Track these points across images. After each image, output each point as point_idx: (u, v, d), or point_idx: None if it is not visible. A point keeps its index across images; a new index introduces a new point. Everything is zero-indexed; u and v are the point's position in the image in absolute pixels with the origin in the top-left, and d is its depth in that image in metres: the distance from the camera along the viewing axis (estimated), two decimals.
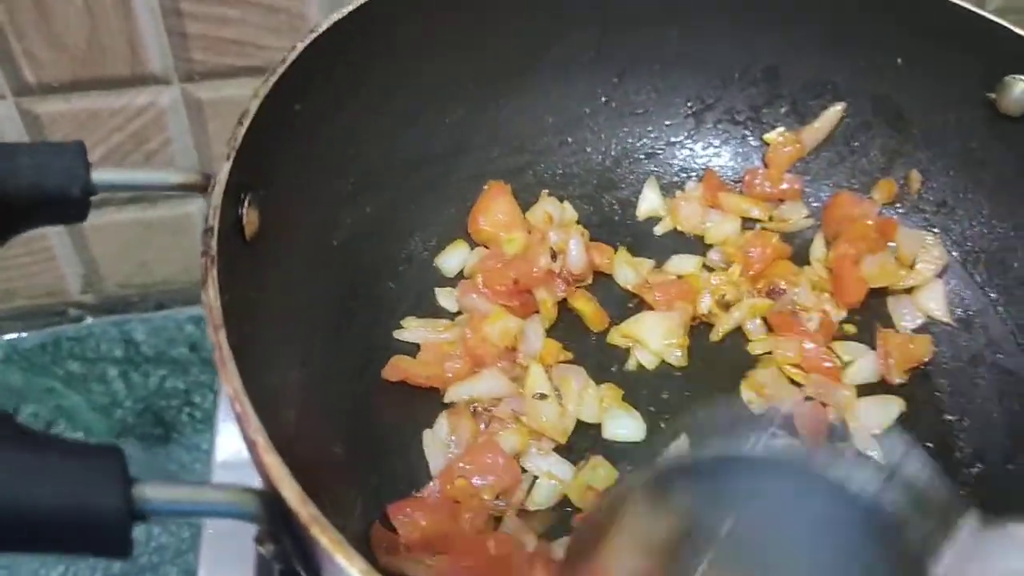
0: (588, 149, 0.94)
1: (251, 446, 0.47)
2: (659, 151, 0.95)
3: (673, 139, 0.95)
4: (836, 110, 0.91)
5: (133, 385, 1.04)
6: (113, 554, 0.42)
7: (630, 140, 0.95)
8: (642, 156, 0.95)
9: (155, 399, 1.04)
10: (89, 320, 1.10)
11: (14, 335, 1.07)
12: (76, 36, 0.87)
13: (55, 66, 0.88)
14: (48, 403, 1.02)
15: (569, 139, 0.93)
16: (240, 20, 0.90)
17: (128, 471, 0.43)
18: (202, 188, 0.59)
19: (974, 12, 0.78)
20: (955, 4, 0.79)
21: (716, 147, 0.95)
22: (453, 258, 0.87)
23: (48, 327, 1.08)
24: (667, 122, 0.95)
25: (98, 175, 0.55)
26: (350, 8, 0.71)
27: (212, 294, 0.52)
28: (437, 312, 0.84)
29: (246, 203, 0.60)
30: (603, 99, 0.93)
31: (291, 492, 0.45)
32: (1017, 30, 0.77)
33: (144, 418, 1.02)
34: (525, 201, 0.90)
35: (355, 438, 0.71)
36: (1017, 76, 0.78)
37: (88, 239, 1.04)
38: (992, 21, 0.77)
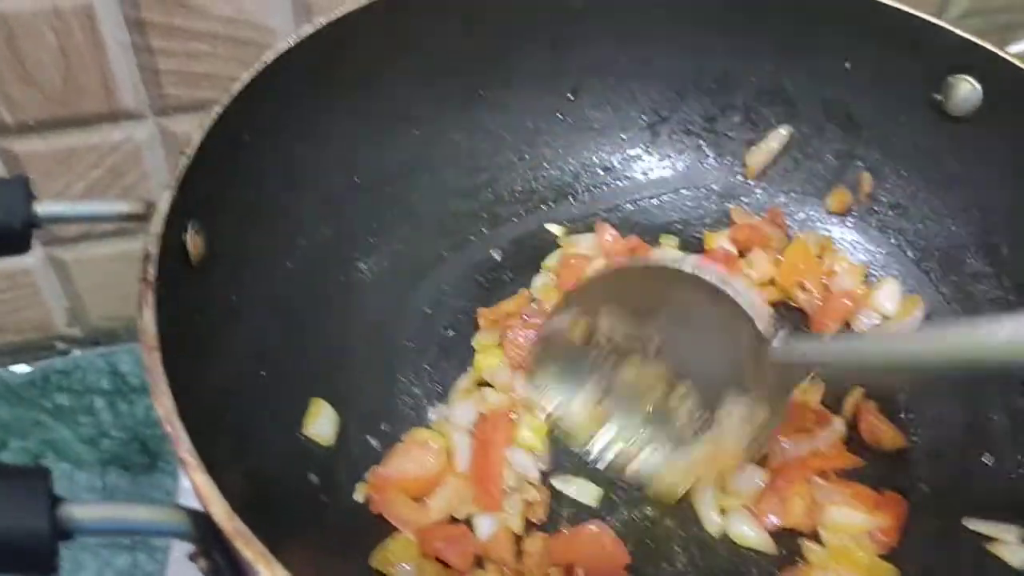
0: (546, 164, 0.95)
1: (182, 465, 0.49)
2: (616, 164, 0.96)
3: (630, 151, 0.96)
4: (781, 133, 0.93)
5: (120, 415, 1.05)
6: (39, 572, 0.44)
7: (587, 154, 0.96)
8: (600, 170, 0.96)
9: (141, 428, 1.05)
10: (76, 353, 1.12)
11: (2, 370, 1.08)
12: (51, 75, 0.88)
13: (31, 105, 0.90)
14: (36, 437, 1.03)
15: (526, 155, 0.94)
16: (210, 54, 0.92)
17: (53, 491, 0.44)
18: (149, 218, 0.60)
19: (914, 15, 0.79)
20: (896, 8, 0.80)
21: (672, 158, 0.96)
22: None
23: (36, 361, 1.09)
24: (623, 135, 0.96)
25: (41, 208, 0.57)
26: (295, 39, 0.72)
27: (147, 318, 0.53)
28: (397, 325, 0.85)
29: (191, 230, 0.62)
30: (559, 115, 0.94)
31: (218, 508, 0.47)
32: (958, 31, 0.78)
33: (131, 447, 1.03)
34: (486, 218, 0.92)
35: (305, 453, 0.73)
36: (960, 76, 0.79)
37: (72, 273, 1.05)
38: (933, 23, 0.78)
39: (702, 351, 0.71)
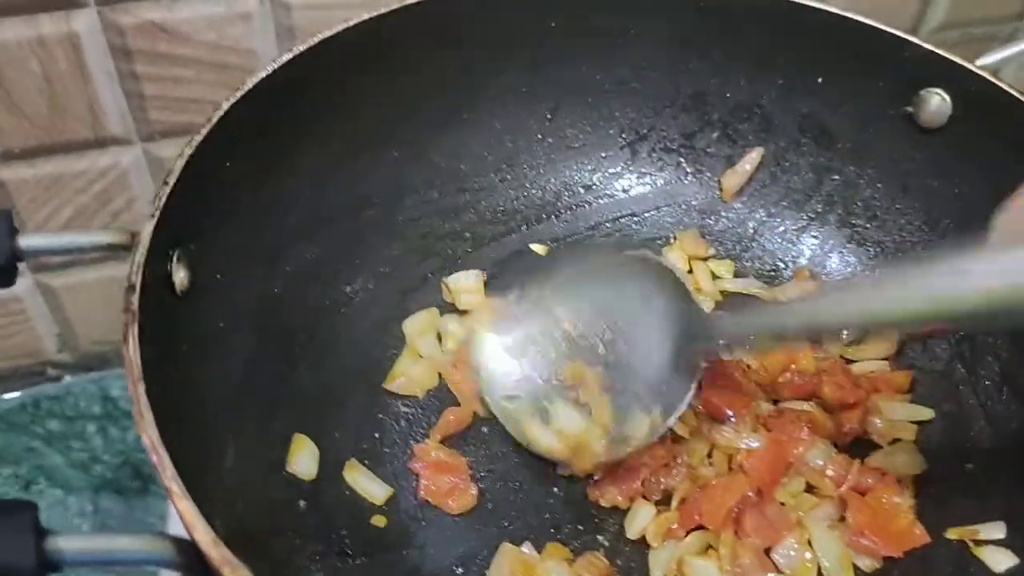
0: (527, 184, 0.96)
1: (167, 493, 0.50)
2: (597, 182, 0.97)
3: (611, 170, 0.97)
4: (753, 156, 0.94)
5: (111, 440, 1.06)
6: None
7: (567, 173, 0.96)
8: (581, 188, 0.97)
9: (133, 453, 1.05)
10: (67, 378, 1.12)
11: None
12: (36, 103, 0.89)
13: (17, 133, 0.90)
14: (28, 463, 1.03)
15: (508, 176, 0.95)
16: (195, 79, 0.93)
17: (40, 524, 0.45)
18: (133, 248, 0.61)
19: (884, 30, 0.80)
20: (866, 23, 0.81)
21: (652, 175, 0.97)
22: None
23: (27, 387, 1.10)
24: (603, 154, 0.96)
25: (24, 241, 0.58)
26: (273, 66, 0.73)
27: (132, 349, 0.54)
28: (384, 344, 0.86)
29: (175, 259, 0.63)
30: (538, 135, 0.95)
31: (203, 535, 0.47)
32: (927, 46, 0.79)
33: (123, 472, 1.04)
34: (470, 238, 0.93)
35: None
36: (931, 90, 0.80)
37: (61, 299, 1.06)
38: (902, 38, 0.79)
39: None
